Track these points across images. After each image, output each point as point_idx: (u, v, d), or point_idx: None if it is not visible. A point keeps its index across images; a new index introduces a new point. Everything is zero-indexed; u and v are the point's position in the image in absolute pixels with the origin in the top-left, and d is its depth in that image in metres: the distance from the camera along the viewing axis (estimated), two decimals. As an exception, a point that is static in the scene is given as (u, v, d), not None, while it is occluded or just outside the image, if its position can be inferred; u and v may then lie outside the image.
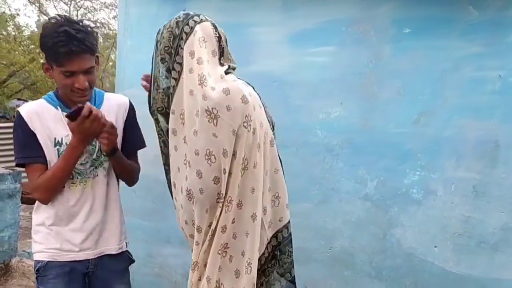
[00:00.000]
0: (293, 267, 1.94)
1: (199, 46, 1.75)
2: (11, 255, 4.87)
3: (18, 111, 2.12)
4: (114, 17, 22.44)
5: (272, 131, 1.89)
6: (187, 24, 1.78)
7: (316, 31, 2.79)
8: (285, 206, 1.90)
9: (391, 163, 2.67)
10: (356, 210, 2.79)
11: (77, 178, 2.14)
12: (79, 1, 22.39)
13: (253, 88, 1.84)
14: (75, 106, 1.98)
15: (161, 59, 1.79)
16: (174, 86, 1.78)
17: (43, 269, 2.16)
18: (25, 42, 18.95)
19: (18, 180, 4.93)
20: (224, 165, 1.69)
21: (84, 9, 22.60)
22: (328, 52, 2.79)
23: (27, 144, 2.09)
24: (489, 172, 2.45)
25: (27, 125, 2.08)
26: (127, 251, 2.35)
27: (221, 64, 1.81)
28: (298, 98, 2.87)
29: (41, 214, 2.19)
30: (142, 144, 2.36)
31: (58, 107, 2.12)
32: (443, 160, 2.55)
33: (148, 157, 3.33)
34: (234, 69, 1.86)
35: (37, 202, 2.20)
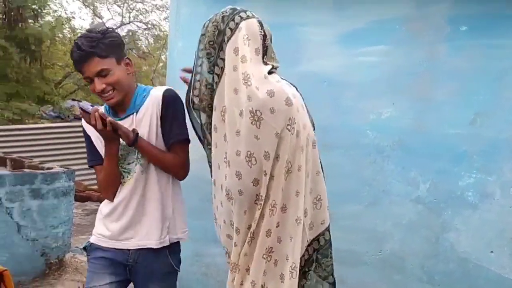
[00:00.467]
0: (333, 270, 1.90)
1: (243, 44, 1.72)
2: (64, 251, 5.02)
3: None
4: (165, 19, 22.84)
5: (314, 130, 1.86)
6: (233, 20, 1.76)
7: (368, 30, 2.74)
8: (326, 209, 1.86)
9: (445, 165, 2.59)
10: (407, 213, 2.72)
11: (122, 174, 2.26)
12: (131, 3, 22.90)
13: (296, 89, 1.81)
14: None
15: (207, 53, 1.78)
16: (217, 82, 1.76)
17: (89, 249, 2.35)
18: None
19: (72, 178, 5.08)
20: (265, 168, 1.67)
21: (136, 11, 23.12)
22: (380, 51, 2.74)
23: (88, 148, 2.32)
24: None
25: (85, 130, 2.29)
26: (171, 259, 2.32)
27: (265, 63, 1.77)
28: (348, 99, 2.83)
29: (102, 204, 2.37)
30: (178, 137, 2.23)
31: (110, 113, 2.26)
32: (500, 162, 2.46)
33: (194, 156, 3.37)
34: (276, 68, 1.82)
35: None
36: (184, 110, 2.22)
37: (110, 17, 22.67)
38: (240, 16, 1.77)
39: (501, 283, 2.49)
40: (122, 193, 2.26)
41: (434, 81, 2.61)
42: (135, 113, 2.21)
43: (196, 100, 1.83)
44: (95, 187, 7.92)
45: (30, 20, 14.31)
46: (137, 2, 23.03)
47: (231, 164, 1.71)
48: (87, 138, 2.32)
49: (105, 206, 2.33)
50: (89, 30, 2.19)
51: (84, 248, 2.39)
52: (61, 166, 5.57)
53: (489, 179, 2.49)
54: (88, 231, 6.46)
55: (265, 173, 1.67)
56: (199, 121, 1.86)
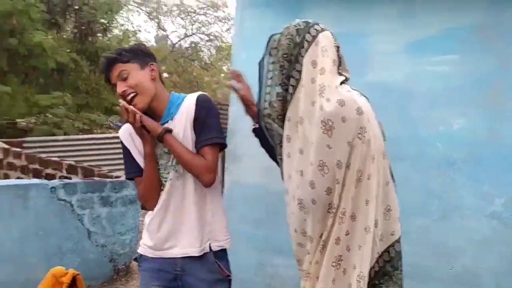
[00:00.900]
0: (403, 283, 1.87)
1: (321, 56, 1.75)
2: (131, 257, 5.15)
3: None
4: (227, 30, 23.21)
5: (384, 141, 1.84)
6: (309, 33, 1.79)
7: (438, 38, 2.67)
8: (396, 220, 1.84)
9: (522, 179, 2.48)
10: (481, 228, 2.62)
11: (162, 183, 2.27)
12: (194, 16, 23.42)
13: (367, 99, 1.80)
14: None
15: (280, 66, 1.80)
16: (291, 94, 1.78)
17: (139, 260, 2.36)
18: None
19: (139, 186, 5.21)
20: (337, 176, 1.68)
21: (199, 23, 23.60)
22: (450, 60, 2.66)
23: (126, 161, 2.34)
24: None
25: (123, 143, 2.33)
26: (219, 263, 2.28)
27: (339, 73, 1.79)
28: (416, 109, 2.76)
29: (146, 215, 2.38)
30: (208, 140, 2.17)
31: None
32: None
33: (260, 168, 3.39)
34: (348, 79, 1.83)
35: None
36: (218, 115, 2.23)
37: (174, 30, 23.22)
38: (315, 28, 1.80)
39: None
40: (160, 201, 2.25)
41: (507, 90, 2.51)
42: (169, 121, 2.22)
43: (267, 111, 1.84)
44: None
45: (99, 34, 14.91)
46: (199, 14, 23.54)
47: (304, 174, 1.74)
48: (125, 150, 2.33)
49: (147, 216, 2.33)
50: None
51: (135, 259, 2.40)
52: (128, 175, 5.74)
53: None
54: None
55: (338, 182, 1.69)
56: (268, 133, 1.88)
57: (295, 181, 1.79)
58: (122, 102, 2.16)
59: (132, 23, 22.80)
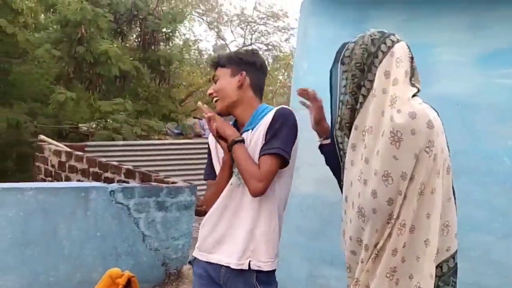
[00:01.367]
0: None
1: (395, 67, 1.74)
2: (183, 262, 5.21)
3: None
4: (286, 40, 23.31)
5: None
6: (384, 43, 1.78)
7: (506, 51, 2.59)
8: (453, 236, 1.81)
9: None
10: (548, 249, 2.49)
11: None
12: (254, 26, 23.67)
13: (437, 113, 1.78)
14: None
15: (352, 75, 1.80)
16: (361, 103, 1.78)
17: (193, 263, 2.37)
18: (202, 65, 20.53)
19: (193, 193, 5.29)
20: (401, 187, 1.67)
21: (258, 33, 23.82)
22: (520, 73, 2.57)
23: (207, 163, 2.41)
24: None
25: (209, 146, 2.40)
26: (259, 286, 2.20)
27: (412, 85, 1.77)
28: (482, 123, 2.67)
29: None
30: (269, 149, 2.12)
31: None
32: None
33: (317, 178, 3.36)
34: (419, 91, 1.81)
35: None
36: (292, 128, 2.18)
37: (233, 39, 23.54)
38: (391, 39, 1.79)
39: None
40: (219, 203, 2.25)
41: None
42: (251, 130, 2.23)
43: (339, 119, 1.85)
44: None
45: (161, 43, 15.30)
46: (259, 24, 23.77)
47: (368, 183, 1.73)
48: (209, 153, 2.41)
49: (204, 218, 2.35)
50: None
51: (189, 262, 2.45)
52: (183, 181, 5.83)
53: None
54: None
55: (400, 193, 1.68)
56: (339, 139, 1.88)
57: (356, 189, 1.78)
58: (202, 107, 2.29)
59: (193, 33, 23.24)
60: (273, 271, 2.25)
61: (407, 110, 1.67)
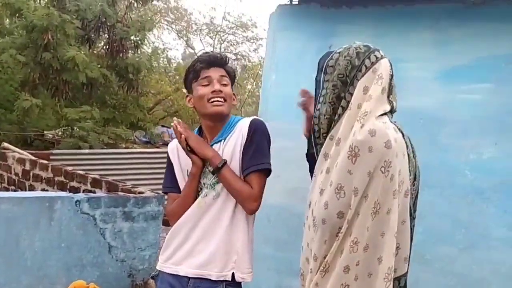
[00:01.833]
0: None
1: (374, 83, 1.77)
2: (150, 273, 5.15)
3: None
4: (254, 50, 23.43)
5: (414, 180, 1.84)
6: (369, 58, 1.80)
7: (472, 67, 2.65)
8: (402, 259, 1.81)
9: (552, 211, 2.42)
10: (508, 260, 2.56)
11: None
12: (223, 35, 23.72)
13: (403, 135, 1.80)
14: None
15: (333, 85, 1.81)
16: (340, 114, 1.79)
17: (156, 279, 2.34)
18: (171, 73, 20.44)
19: (161, 203, 5.25)
20: (352, 202, 1.68)
21: (227, 42, 23.88)
22: (483, 89, 2.63)
23: (166, 175, 2.38)
24: None
25: (169, 158, 2.37)
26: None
27: (390, 102, 1.80)
28: (446, 137, 2.73)
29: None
30: (257, 166, 2.18)
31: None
32: None
33: (285, 189, 3.38)
34: (395, 110, 1.84)
35: None
36: (269, 139, 2.25)
37: (202, 48, 23.52)
38: (375, 55, 1.82)
39: None
40: (190, 214, 2.23)
41: (541, 121, 2.47)
42: (222, 141, 2.24)
43: (316, 128, 1.86)
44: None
45: (130, 51, 15.16)
46: (228, 34, 23.82)
47: (324, 193, 1.75)
48: (169, 165, 2.36)
49: (171, 230, 2.32)
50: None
51: (153, 278, 2.42)
52: (151, 191, 5.78)
53: None
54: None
55: (350, 208, 1.68)
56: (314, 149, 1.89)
57: (315, 196, 1.81)
58: (174, 121, 2.26)
59: (162, 41, 23.14)
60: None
61: (368, 127, 1.69)
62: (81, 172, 7.43)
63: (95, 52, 15.93)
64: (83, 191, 6.92)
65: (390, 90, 1.82)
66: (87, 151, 11.68)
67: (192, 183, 2.24)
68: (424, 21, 2.84)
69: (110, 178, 7.09)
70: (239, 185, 2.17)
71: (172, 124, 2.27)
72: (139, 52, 15.56)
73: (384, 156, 1.67)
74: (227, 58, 2.32)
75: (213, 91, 2.20)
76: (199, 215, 2.23)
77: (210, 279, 2.20)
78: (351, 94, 1.78)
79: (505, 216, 2.56)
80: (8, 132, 12.55)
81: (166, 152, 2.43)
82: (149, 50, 17.35)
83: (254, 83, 23.10)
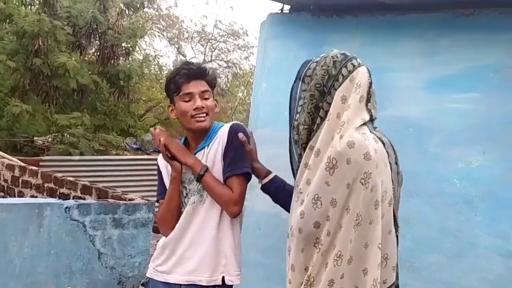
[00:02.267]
0: None
1: (353, 92, 1.75)
2: (139, 280, 5.14)
3: None
4: (246, 58, 23.48)
5: (398, 187, 1.83)
6: (345, 67, 1.78)
7: (459, 77, 2.67)
8: (391, 268, 1.80)
9: (539, 220, 2.45)
10: (496, 268, 2.57)
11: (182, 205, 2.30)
12: (214, 43, 23.74)
13: (384, 144, 1.79)
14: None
15: (310, 95, 1.80)
16: (318, 124, 1.78)
17: (146, 285, 2.33)
18: (162, 80, 20.45)
19: (151, 210, 5.25)
20: (329, 213, 1.68)
21: (219, 50, 23.91)
22: (471, 98, 2.66)
23: (159, 183, 2.42)
24: None
25: (158, 166, 2.40)
26: None
27: (368, 110, 1.79)
28: (435, 146, 2.75)
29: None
30: (237, 170, 2.22)
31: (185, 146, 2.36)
32: None
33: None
34: (375, 118, 1.83)
35: None
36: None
37: (193, 56, 23.54)
38: (352, 64, 1.79)
39: None
40: (179, 223, 2.27)
41: (528, 131, 2.50)
42: (206, 147, 2.27)
43: (295, 137, 1.85)
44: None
45: (121, 58, 15.15)
46: (219, 42, 23.84)
47: (302, 203, 1.74)
48: (159, 173, 2.41)
49: (163, 238, 2.36)
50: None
51: (143, 285, 2.44)
52: (141, 197, 5.77)
53: None
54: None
55: (328, 219, 1.68)
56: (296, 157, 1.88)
57: (293, 205, 1.81)
58: (156, 128, 2.30)
59: (154, 48, 23.13)
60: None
61: (347, 138, 1.67)
62: (71, 179, 7.41)
63: (86, 58, 15.90)
64: (73, 198, 6.90)
65: (368, 98, 1.80)
66: (77, 157, 11.64)
67: (174, 186, 2.27)
68: (413, 31, 2.87)
69: (100, 185, 7.07)
70: (220, 190, 2.21)
71: (151, 130, 2.31)
72: (130, 59, 15.55)
73: (363, 168, 1.66)
74: (206, 70, 2.31)
75: (196, 108, 2.23)
76: (188, 221, 2.26)
77: (201, 285, 2.23)
78: (329, 104, 1.76)
79: (492, 224, 2.58)
80: (-3, 138, 12.48)
81: (157, 159, 2.45)
82: (141, 57, 17.33)
83: (245, 91, 23.13)
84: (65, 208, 4.59)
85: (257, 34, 3.73)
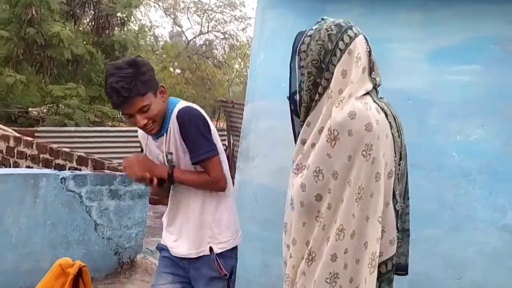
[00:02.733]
0: None
1: (354, 66, 1.69)
2: (136, 251, 5.17)
3: None
4: (243, 29, 23.27)
5: (400, 160, 1.79)
6: (342, 40, 1.70)
7: (460, 48, 2.63)
8: (388, 242, 1.76)
9: (537, 193, 2.45)
10: (492, 241, 2.58)
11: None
12: (211, 14, 23.48)
13: (386, 115, 1.73)
14: None
15: (308, 72, 1.73)
16: (316, 100, 1.72)
17: (159, 249, 2.55)
18: (158, 51, 20.26)
19: (148, 181, 5.23)
20: (330, 186, 1.64)
21: (215, 21, 23.66)
22: (472, 70, 2.63)
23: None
24: None
25: (140, 142, 2.53)
26: (219, 262, 2.37)
27: (372, 79, 1.74)
28: (434, 118, 2.73)
29: None
30: (202, 156, 2.27)
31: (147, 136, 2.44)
32: None
33: (272, 169, 3.38)
34: (379, 84, 1.78)
35: None
36: (202, 125, 2.28)
37: (189, 27, 23.31)
38: (348, 35, 1.71)
39: None
40: (170, 203, 2.45)
41: (528, 104, 2.48)
42: (165, 133, 2.32)
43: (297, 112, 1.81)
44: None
45: (116, 28, 14.98)
46: (216, 12, 23.59)
47: (301, 176, 1.70)
48: (141, 145, 2.54)
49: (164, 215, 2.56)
50: (118, 67, 2.18)
51: (157, 248, 2.59)
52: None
53: None
54: (158, 234, 6.61)
55: (329, 191, 1.65)
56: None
57: (292, 180, 1.76)
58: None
59: (149, 19, 22.89)
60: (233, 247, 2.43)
61: (348, 109, 1.62)
62: (67, 150, 7.38)
63: (80, 28, 15.71)
64: (69, 169, 6.89)
65: (371, 67, 1.75)
66: (72, 128, 11.59)
67: (157, 190, 2.41)
68: (413, 1, 2.82)
69: (96, 156, 7.05)
70: (195, 179, 2.32)
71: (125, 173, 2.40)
72: (125, 29, 15.38)
73: (365, 139, 1.61)
74: (130, 90, 2.13)
75: (139, 127, 2.28)
76: (178, 199, 2.42)
77: (191, 258, 2.39)
78: (327, 80, 1.69)
79: (490, 197, 2.58)
80: (-9, 108, 12.41)
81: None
82: (136, 28, 17.14)
83: (242, 63, 22.99)
84: (61, 179, 4.57)
85: (254, 5, 3.68)
